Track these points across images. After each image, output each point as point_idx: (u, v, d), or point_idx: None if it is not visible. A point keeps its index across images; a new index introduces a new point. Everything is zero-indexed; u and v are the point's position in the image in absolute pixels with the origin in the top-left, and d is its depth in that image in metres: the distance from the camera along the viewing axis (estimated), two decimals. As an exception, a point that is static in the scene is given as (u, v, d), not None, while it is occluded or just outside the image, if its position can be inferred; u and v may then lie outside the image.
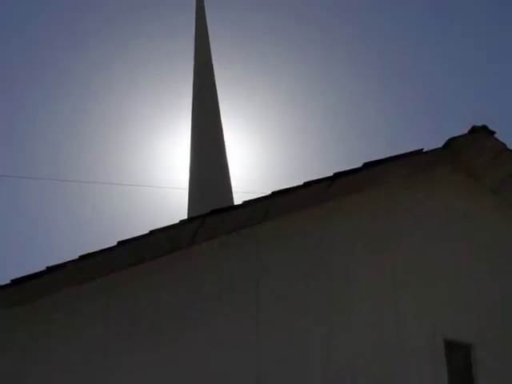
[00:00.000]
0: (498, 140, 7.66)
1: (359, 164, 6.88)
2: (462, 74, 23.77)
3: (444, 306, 7.29)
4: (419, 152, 7.27)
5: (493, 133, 7.59)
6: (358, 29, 23.81)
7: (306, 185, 6.64)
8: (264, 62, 23.85)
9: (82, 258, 5.81)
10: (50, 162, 22.34)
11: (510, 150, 7.76)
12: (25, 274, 5.72)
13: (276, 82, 23.59)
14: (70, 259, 5.81)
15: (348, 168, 6.88)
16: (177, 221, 6.14)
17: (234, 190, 14.03)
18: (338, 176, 6.79)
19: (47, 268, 5.78)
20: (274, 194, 6.49)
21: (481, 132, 7.52)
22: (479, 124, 7.49)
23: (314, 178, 6.69)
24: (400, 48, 23.90)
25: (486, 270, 7.70)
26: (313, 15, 23.05)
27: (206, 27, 16.33)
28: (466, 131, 7.50)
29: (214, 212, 6.27)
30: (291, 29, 23.11)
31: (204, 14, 16.46)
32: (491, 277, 7.67)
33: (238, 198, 13.37)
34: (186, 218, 6.47)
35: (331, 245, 7.05)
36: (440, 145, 7.56)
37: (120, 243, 5.90)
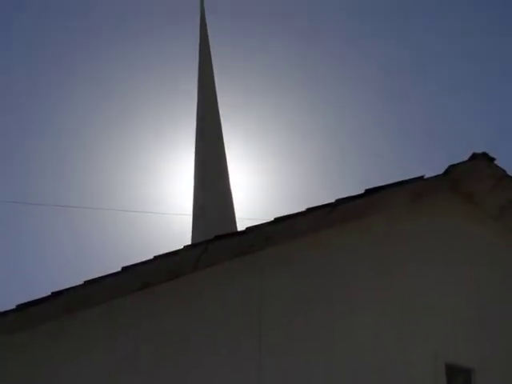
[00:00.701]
0: (498, 167, 7.73)
1: (362, 188, 6.97)
2: (464, 99, 23.90)
3: (445, 330, 7.32)
4: (420, 179, 7.34)
5: (493, 159, 7.65)
6: (359, 50, 23.96)
7: (308, 211, 6.71)
8: (266, 88, 24.00)
9: (87, 283, 5.87)
10: (53, 188, 22.43)
11: (510, 176, 7.82)
12: (29, 300, 5.79)
13: (278, 108, 23.72)
14: (74, 285, 5.87)
15: (350, 194, 6.95)
16: (181, 246, 6.21)
17: (236, 216, 14.10)
18: (339, 202, 6.86)
19: (52, 293, 5.84)
20: (277, 220, 6.56)
21: (481, 159, 7.59)
22: (479, 151, 7.56)
23: (316, 205, 6.76)
24: (402, 71, 24.06)
25: (486, 295, 7.73)
26: (314, 36, 23.21)
27: (210, 53, 16.51)
28: (466, 158, 7.57)
29: (217, 238, 6.34)
30: (292, 51, 23.27)
31: (207, 37, 16.68)
32: (491, 303, 7.71)
33: (241, 224, 13.44)
34: (189, 243, 6.54)
35: (333, 271, 7.09)
36: (441, 171, 7.63)
37: (124, 269, 5.96)
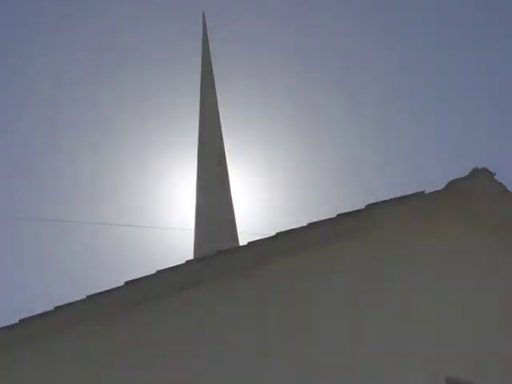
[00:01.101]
0: (498, 182, 7.77)
1: (363, 203, 7.01)
2: (465, 113, 23.97)
3: (446, 347, 7.32)
4: (421, 194, 7.38)
5: (493, 175, 7.69)
6: (360, 71, 24.08)
7: (310, 226, 6.75)
8: (268, 105, 24.10)
9: (90, 297, 5.91)
10: (60, 203, 22.49)
11: (510, 192, 7.86)
12: (33, 314, 5.83)
13: (280, 123, 23.81)
14: (77, 299, 5.91)
15: (351, 208, 6.99)
16: (183, 261, 6.24)
17: (239, 230, 14.13)
18: (341, 217, 6.90)
19: (55, 308, 5.88)
20: (279, 234, 6.60)
21: (482, 174, 7.63)
22: (480, 166, 7.61)
23: (318, 219, 6.80)
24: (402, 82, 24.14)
25: (486, 310, 7.75)
26: (314, 64, 23.39)
27: (212, 70, 16.60)
28: (466, 173, 7.61)
29: (219, 253, 6.37)
30: (293, 73, 23.41)
31: (208, 48, 16.78)
32: (491, 317, 7.72)
33: (243, 239, 13.47)
34: (192, 258, 6.57)
35: (334, 286, 7.11)
36: (441, 187, 7.66)
37: (127, 283, 6.00)
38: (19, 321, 5.79)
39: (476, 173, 7.60)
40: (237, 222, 14.24)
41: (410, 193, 7.29)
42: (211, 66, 16.63)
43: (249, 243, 6.49)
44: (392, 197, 7.24)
